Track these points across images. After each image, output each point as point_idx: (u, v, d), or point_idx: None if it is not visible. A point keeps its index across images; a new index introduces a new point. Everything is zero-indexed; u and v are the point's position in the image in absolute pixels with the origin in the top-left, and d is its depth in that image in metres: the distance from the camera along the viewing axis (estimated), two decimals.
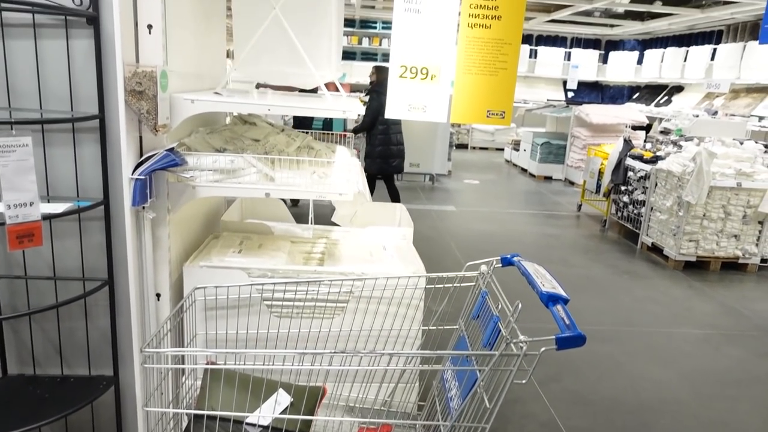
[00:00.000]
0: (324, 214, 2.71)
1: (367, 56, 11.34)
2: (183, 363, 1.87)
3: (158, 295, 1.87)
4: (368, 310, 1.96)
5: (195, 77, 2.09)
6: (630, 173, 5.57)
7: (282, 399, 1.65)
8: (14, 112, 1.63)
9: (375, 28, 11.03)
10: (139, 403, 1.83)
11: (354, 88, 10.07)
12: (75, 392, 1.75)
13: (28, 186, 1.45)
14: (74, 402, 1.69)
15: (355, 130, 5.45)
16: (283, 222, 2.43)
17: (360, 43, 11.15)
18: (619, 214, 5.79)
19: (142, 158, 1.71)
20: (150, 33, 1.68)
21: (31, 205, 1.46)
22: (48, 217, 1.54)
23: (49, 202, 1.65)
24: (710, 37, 10.10)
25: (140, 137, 1.75)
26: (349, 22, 10.43)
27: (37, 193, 1.47)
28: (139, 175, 1.67)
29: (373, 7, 8.43)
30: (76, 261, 1.78)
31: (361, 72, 10.68)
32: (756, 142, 5.46)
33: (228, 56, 2.72)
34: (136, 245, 1.78)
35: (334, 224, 2.51)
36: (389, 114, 1.97)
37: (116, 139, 1.67)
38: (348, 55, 11.19)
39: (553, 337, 1.29)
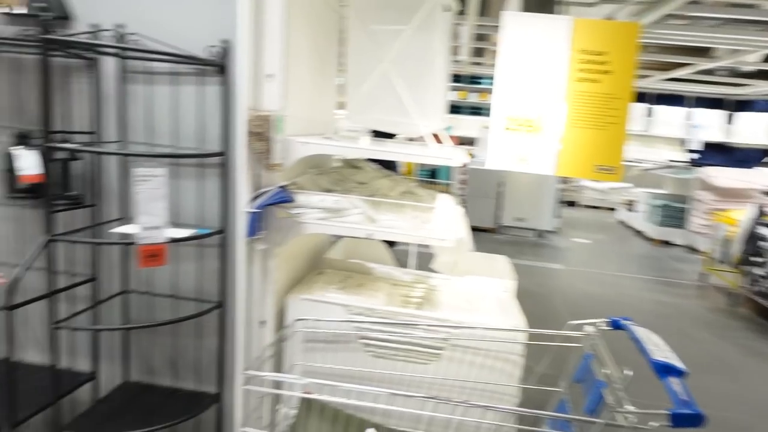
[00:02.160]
0: (424, 261, 2.72)
1: (475, 110, 11.46)
2: (281, 389, 1.93)
3: (262, 323, 1.96)
4: (464, 360, 1.91)
5: (308, 123, 2.25)
6: (763, 243, 5.02)
7: None
8: (153, 147, 1.84)
9: (482, 83, 11.16)
10: (236, 423, 1.91)
11: (462, 141, 10.18)
12: (183, 405, 1.87)
13: (158, 212, 1.62)
14: (181, 414, 1.81)
15: None
16: (384, 264, 2.48)
17: (467, 98, 11.31)
18: (753, 288, 5.20)
19: (257, 193, 1.85)
20: (270, 82, 1.84)
21: (159, 228, 1.63)
22: (173, 241, 1.71)
23: (175, 227, 1.82)
24: None
25: (258, 174, 1.89)
26: (457, 78, 10.64)
27: (165, 218, 1.63)
28: (253, 208, 1.80)
29: (481, 64, 8.58)
30: (193, 283, 1.94)
31: (468, 125, 10.78)
32: None
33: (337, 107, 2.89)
34: (247, 274, 1.90)
35: (434, 271, 2.51)
36: (488, 164, 1.97)
37: (236, 175, 1.82)
38: (456, 109, 11.37)
39: (667, 412, 1.16)
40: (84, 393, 2.05)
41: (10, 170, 1.80)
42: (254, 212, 1.81)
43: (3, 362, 1.95)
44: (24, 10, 1.80)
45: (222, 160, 1.82)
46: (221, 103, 1.79)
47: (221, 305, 1.90)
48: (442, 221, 1.98)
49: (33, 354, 2.07)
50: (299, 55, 2.05)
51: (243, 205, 1.82)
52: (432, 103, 2.26)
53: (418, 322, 1.92)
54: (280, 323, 2.04)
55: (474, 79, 11.23)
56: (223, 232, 1.86)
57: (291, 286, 2.16)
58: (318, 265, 2.48)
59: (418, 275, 2.42)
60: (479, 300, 2.17)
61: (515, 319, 2.00)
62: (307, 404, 1.68)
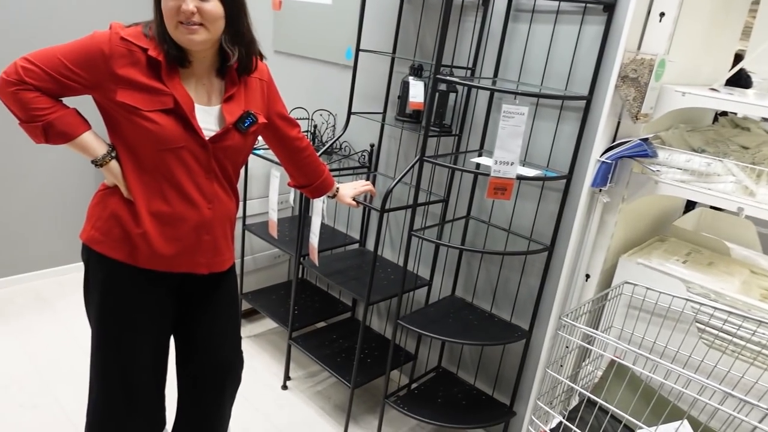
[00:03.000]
0: None
1: None
2: (591, 346, 1.89)
3: (587, 276, 1.92)
4: None
5: (692, 70, 1.97)
6: None
7: (684, 431, 1.49)
8: (521, 85, 1.90)
9: None
10: (541, 363, 1.97)
11: None
12: (495, 330, 2.01)
13: (514, 148, 1.69)
14: (493, 338, 1.95)
15: None
16: (748, 248, 2.10)
17: None
18: None
19: (614, 143, 1.75)
20: (660, 21, 1.66)
21: (511, 164, 1.71)
22: (520, 178, 1.77)
23: (523, 165, 1.89)
24: None
25: (617, 123, 1.78)
26: None
27: (518, 155, 1.70)
28: (607, 158, 1.72)
29: None
30: (529, 222, 2.00)
31: None
32: None
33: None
34: (583, 223, 1.86)
35: None
36: None
37: (596, 121, 1.76)
38: None
39: None
40: (419, 294, 2.39)
41: (403, 97, 2.13)
42: (606, 163, 1.73)
43: (368, 253, 2.41)
44: None
45: (585, 104, 1.77)
46: (599, 45, 1.72)
47: (551, 249, 1.92)
48: None
49: (388, 252, 2.49)
50: None
51: (596, 153, 1.75)
52: None
53: None
54: (606, 282, 1.96)
55: None
56: (568, 178, 1.84)
57: (626, 247, 2.03)
58: (661, 231, 2.26)
59: None
60: None
61: None
62: (617, 369, 1.61)
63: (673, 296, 1.74)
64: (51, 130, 1.23)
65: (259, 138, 1.57)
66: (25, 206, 2.86)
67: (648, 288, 1.79)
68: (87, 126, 1.29)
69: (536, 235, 1.99)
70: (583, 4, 1.75)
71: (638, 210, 2.04)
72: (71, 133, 1.25)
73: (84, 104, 1.35)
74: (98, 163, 1.28)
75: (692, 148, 1.79)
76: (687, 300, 1.71)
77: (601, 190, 1.81)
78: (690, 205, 2.46)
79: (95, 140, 1.29)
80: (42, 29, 2.65)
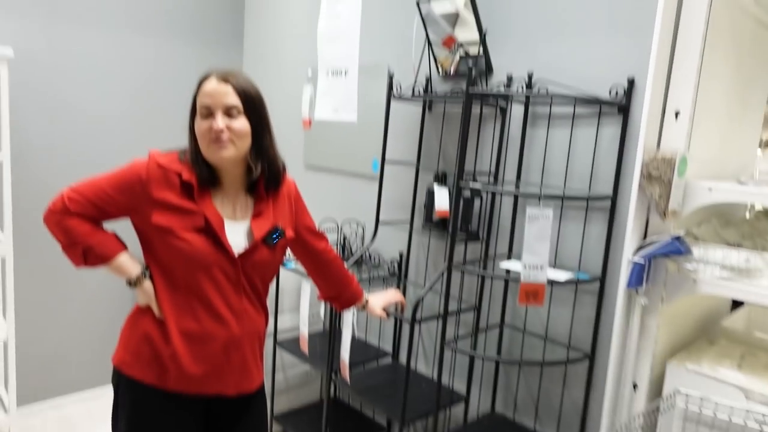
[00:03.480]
0: None
1: None
2: None
3: (635, 385, 1.79)
4: None
5: (717, 164, 1.96)
6: None
7: None
8: (544, 188, 1.91)
9: None
10: None
11: None
12: None
13: (542, 252, 1.66)
14: None
15: None
16: None
17: None
18: None
19: (645, 242, 1.70)
20: (676, 120, 1.68)
21: (541, 268, 1.67)
22: (551, 282, 1.72)
23: (554, 268, 1.84)
24: None
25: (646, 221, 1.75)
26: None
27: (547, 259, 1.66)
28: (639, 258, 1.67)
29: None
30: (565, 328, 1.91)
31: None
32: None
33: (760, 145, 2.43)
34: (623, 328, 1.76)
35: None
36: None
37: (623, 220, 1.73)
38: None
39: None
40: (457, 410, 2.25)
41: (429, 205, 2.16)
42: (639, 262, 1.67)
43: (401, 367, 2.32)
44: (453, 73, 2.15)
45: (610, 204, 1.75)
46: (618, 145, 1.73)
47: (592, 357, 1.81)
48: None
49: (422, 365, 2.40)
50: (714, 86, 1.82)
51: (628, 252, 1.70)
52: None
53: None
54: (656, 391, 1.81)
55: None
56: (602, 280, 1.78)
57: (673, 352, 1.90)
58: (709, 333, 2.12)
59: None
60: None
61: None
62: None
63: (732, 407, 1.59)
64: (90, 253, 1.30)
65: (290, 251, 1.60)
66: (59, 331, 2.92)
67: (702, 398, 1.65)
68: (123, 248, 1.35)
69: (575, 342, 1.89)
70: (598, 108, 1.79)
71: (681, 310, 1.93)
72: (108, 255, 1.32)
73: (121, 227, 1.42)
74: (132, 283, 1.32)
75: (728, 243, 1.73)
76: (748, 411, 1.56)
77: (637, 291, 1.73)
78: (737, 301, 2.32)
79: (130, 261, 1.34)
80: (87, 158, 2.87)
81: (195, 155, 1.31)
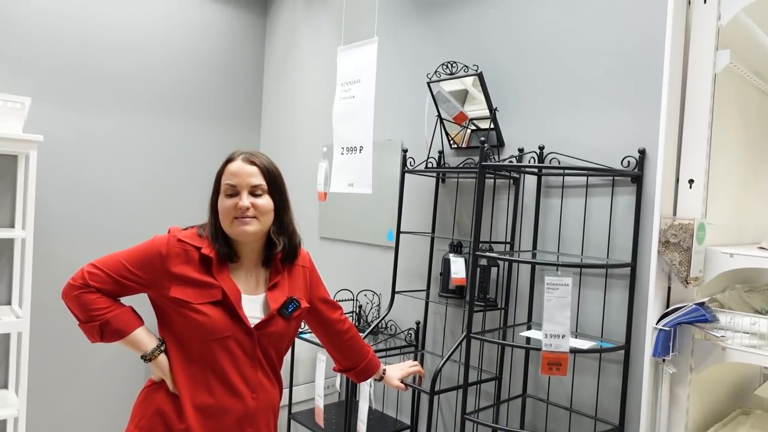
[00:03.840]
0: None
1: None
2: None
3: None
4: None
5: (734, 231, 1.96)
6: None
7: None
8: (561, 256, 1.92)
9: None
10: None
11: None
12: None
13: (563, 320, 1.64)
14: None
15: None
16: None
17: None
18: None
19: (669, 309, 1.68)
20: (690, 188, 1.70)
21: (562, 337, 1.64)
22: (574, 352, 1.69)
23: (575, 337, 1.81)
24: None
25: (668, 288, 1.73)
26: None
27: (569, 327, 1.64)
28: (663, 325, 1.64)
29: None
30: (590, 398, 1.85)
31: None
32: None
33: None
34: (651, 398, 1.71)
35: None
36: None
37: (644, 287, 1.72)
38: None
39: None
40: None
41: (445, 273, 2.16)
42: (664, 330, 1.64)
43: None
44: (465, 145, 2.22)
45: (630, 271, 1.74)
46: (633, 213, 1.75)
47: (620, 429, 1.74)
48: None
49: None
50: (725, 154, 1.85)
51: (651, 320, 1.67)
52: None
53: None
54: None
55: None
56: (626, 348, 1.74)
57: (707, 424, 1.83)
58: (743, 402, 2.04)
59: None
60: None
61: None
62: None
63: None
64: (107, 328, 1.31)
65: (304, 323, 1.60)
66: (70, 407, 2.87)
67: None
68: (140, 323, 1.36)
69: (601, 413, 1.83)
70: (610, 178, 1.82)
71: (712, 379, 1.88)
72: (125, 330, 1.32)
73: (138, 302, 1.43)
74: (147, 357, 1.33)
75: (755, 310, 1.70)
76: None
77: (664, 360, 1.69)
78: None
79: (146, 336, 1.35)
80: (108, 235, 2.92)
81: (215, 231, 1.35)
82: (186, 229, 1.39)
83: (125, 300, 1.36)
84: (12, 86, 2.60)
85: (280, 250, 1.40)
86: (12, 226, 2.62)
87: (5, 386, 2.65)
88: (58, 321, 2.78)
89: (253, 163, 1.34)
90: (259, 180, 1.34)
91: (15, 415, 2.40)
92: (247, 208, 1.31)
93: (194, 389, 1.30)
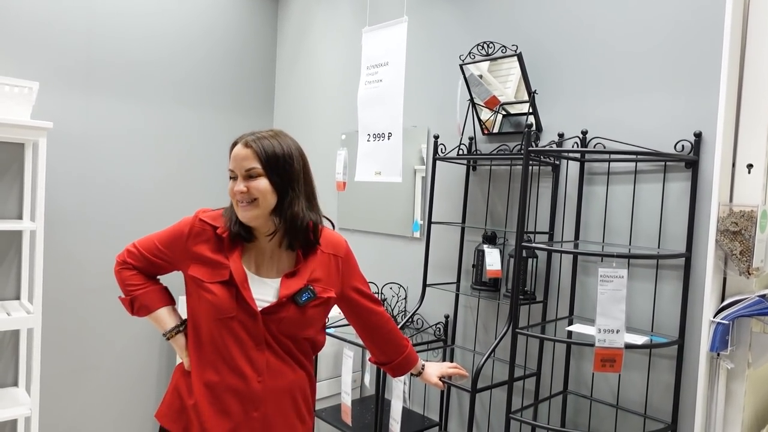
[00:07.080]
0: None
1: None
2: None
3: None
4: None
5: None
6: None
7: None
8: (607, 246, 1.82)
9: None
10: None
11: None
12: None
13: (617, 314, 1.55)
14: None
15: None
16: None
17: None
18: None
19: (727, 302, 1.60)
20: (749, 173, 1.61)
21: (617, 332, 1.56)
22: (628, 347, 1.60)
23: (626, 332, 1.72)
24: None
25: (724, 279, 1.65)
26: None
27: (624, 322, 1.55)
28: (722, 319, 1.56)
29: None
30: (638, 395, 1.77)
31: None
32: None
33: None
34: (707, 395, 1.63)
35: None
36: None
37: (700, 279, 1.63)
38: None
39: None
40: None
41: (478, 265, 2.07)
42: (722, 324, 1.56)
43: None
44: (496, 131, 2.12)
45: (684, 262, 1.65)
46: (688, 200, 1.66)
47: (674, 427, 1.66)
48: None
49: None
50: None
51: (708, 313, 1.59)
52: None
53: None
54: None
55: None
56: (680, 343, 1.66)
57: (759, 422, 1.76)
58: None
59: None
60: None
61: None
62: None
63: None
64: (136, 303, 1.42)
65: (331, 316, 1.56)
66: (83, 404, 2.77)
67: None
68: (165, 303, 1.45)
69: (651, 411, 1.75)
70: (660, 163, 1.73)
71: (765, 375, 1.80)
72: (150, 307, 1.43)
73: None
74: (166, 335, 1.42)
75: None
76: None
77: (719, 355, 1.61)
78: None
79: (169, 316, 1.44)
80: (120, 226, 2.81)
81: (231, 212, 1.37)
82: (214, 210, 1.42)
83: (164, 279, 1.45)
84: (19, 71, 2.48)
85: (273, 232, 1.36)
86: (20, 217, 2.51)
87: (15, 384, 2.56)
88: (68, 316, 2.68)
89: (248, 146, 1.32)
90: (252, 163, 1.31)
91: (27, 414, 2.30)
92: (242, 193, 1.30)
93: (203, 367, 1.35)
